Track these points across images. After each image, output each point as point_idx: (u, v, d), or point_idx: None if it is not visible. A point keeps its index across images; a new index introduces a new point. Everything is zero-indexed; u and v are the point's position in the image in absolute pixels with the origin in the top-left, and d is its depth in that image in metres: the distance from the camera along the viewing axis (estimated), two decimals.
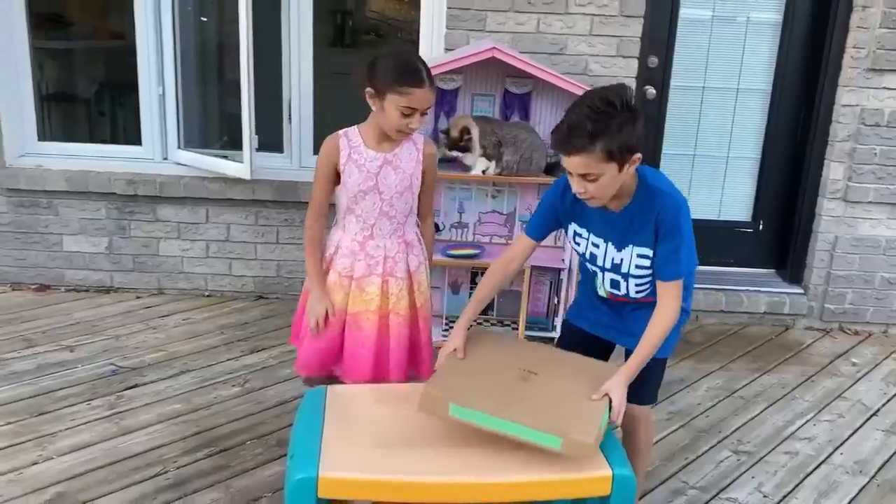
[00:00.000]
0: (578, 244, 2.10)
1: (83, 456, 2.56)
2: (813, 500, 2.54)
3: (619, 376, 1.89)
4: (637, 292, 2.09)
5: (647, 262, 1.99)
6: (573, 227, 2.09)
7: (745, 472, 2.69)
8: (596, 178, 1.82)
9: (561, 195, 2.05)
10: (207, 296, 3.96)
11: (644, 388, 2.07)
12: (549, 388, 1.84)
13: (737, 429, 2.97)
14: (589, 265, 2.14)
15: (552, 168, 3.40)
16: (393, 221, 2.22)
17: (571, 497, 1.75)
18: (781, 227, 4.08)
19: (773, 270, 4.19)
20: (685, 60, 3.86)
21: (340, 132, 2.19)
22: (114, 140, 4.24)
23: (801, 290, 4.01)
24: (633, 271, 2.02)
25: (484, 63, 3.27)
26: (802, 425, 3.03)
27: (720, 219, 4.13)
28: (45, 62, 4.47)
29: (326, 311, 2.18)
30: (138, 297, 3.91)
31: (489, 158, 3.24)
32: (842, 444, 2.90)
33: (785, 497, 2.56)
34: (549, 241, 3.53)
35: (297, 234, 3.87)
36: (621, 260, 2.01)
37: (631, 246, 1.98)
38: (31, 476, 2.44)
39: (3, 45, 3.70)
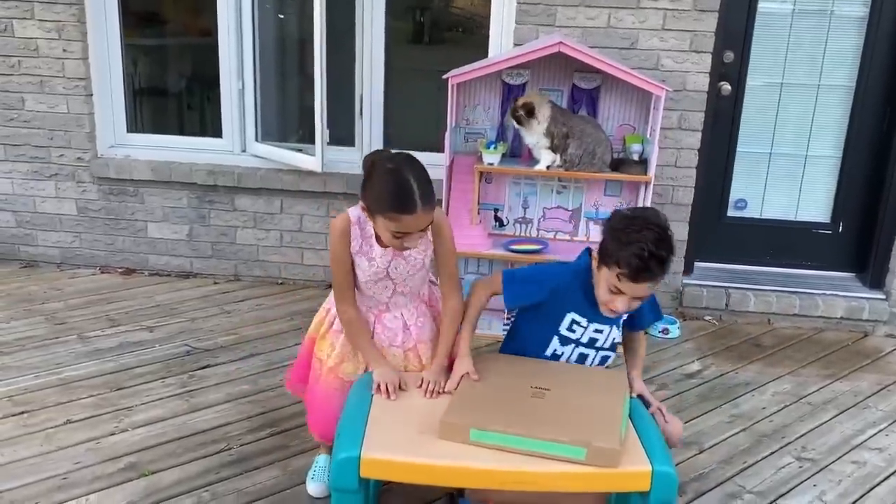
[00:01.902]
0: (574, 331, 2.10)
1: (155, 430, 2.71)
2: None
3: (641, 382, 1.98)
4: (599, 363, 2.18)
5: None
6: (571, 316, 2.07)
7: (806, 480, 2.61)
8: (644, 298, 1.96)
9: (556, 286, 2.05)
10: (280, 283, 4.11)
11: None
12: (563, 401, 1.86)
13: (802, 435, 2.89)
14: (582, 349, 2.14)
15: (618, 165, 3.37)
16: (408, 296, 2.15)
17: (609, 490, 1.75)
18: (862, 228, 3.92)
19: (852, 274, 4.03)
20: (763, 55, 3.76)
21: (352, 217, 2.02)
22: (202, 132, 4.43)
23: (883, 296, 3.84)
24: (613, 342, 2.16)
25: (552, 58, 3.28)
26: (873, 435, 2.91)
27: (797, 219, 4.00)
28: (138, 58, 4.71)
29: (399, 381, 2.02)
30: (216, 283, 4.09)
31: (555, 149, 3.24)
32: None
33: None
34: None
35: None
36: (614, 338, 2.15)
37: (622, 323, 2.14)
38: (107, 446, 2.61)
39: (98, 43, 3.93)
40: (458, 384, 1.98)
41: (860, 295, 3.87)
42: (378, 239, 2.04)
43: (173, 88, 5.41)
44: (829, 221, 3.99)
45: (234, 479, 2.46)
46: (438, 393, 2.01)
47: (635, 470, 1.70)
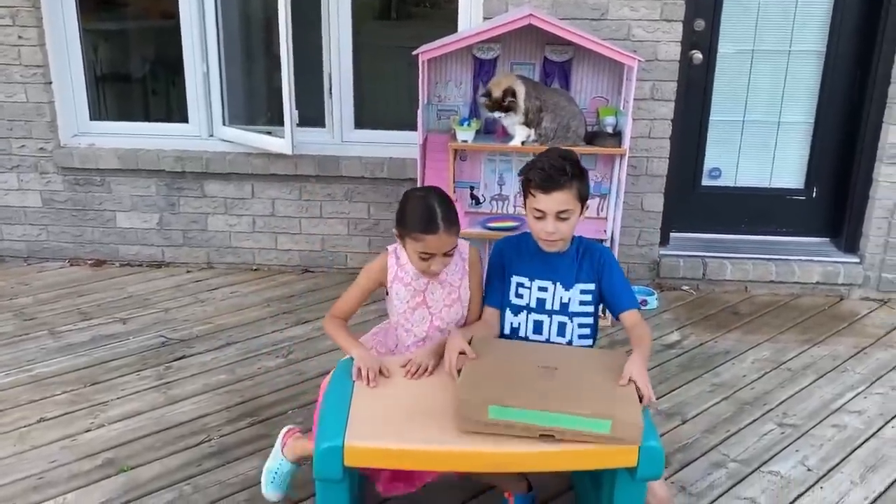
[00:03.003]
0: (521, 296, 2.15)
1: (132, 424, 2.66)
2: (860, 475, 2.47)
3: (638, 362, 1.88)
4: (580, 336, 2.16)
5: (588, 297, 2.14)
6: (515, 279, 2.16)
7: (789, 446, 2.63)
8: (568, 217, 2.02)
9: (500, 255, 2.18)
10: (255, 269, 4.05)
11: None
12: (575, 379, 1.83)
13: (783, 401, 2.91)
14: (534, 315, 2.15)
15: (592, 138, 3.34)
16: (444, 332, 2.14)
17: (598, 467, 1.74)
18: (836, 193, 3.94)
19: (826, 239, 4.05)
20: (733, 23, 3.74)
21: (391, 249, 2.13)
22: (168, 118, 4.33)
23: (857, 259, 3.87)
24: (578, 308, 2.14)
25: (523, 31, 3.23)
26: (852, 398, 2.94)
27: (771, 186, 4.01)
28: (98, 43, 4.58)
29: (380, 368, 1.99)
30: (188, 272, 4.01)
31: (530, 124, 3.19)
32: (893, 418, 2.81)
33: (830, 471, 2.49)
34: (591, 212, 3.51)
35: (340, 208, 3.91)
36: (569, 299, 2.12)
37: (576, 284, 2.12)
38: (83, 443, 2.55)
39: (55, 28, 3.80)
40: (454, 361, 1.92)
41: (835, 259, 3.89)
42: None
43: (136, 73, 5.28)
44: (802, 187, 4.00)
45: (216, 470, 2.42)
46: (421, 375, 1.97)
47: (622, 446, 1.68)
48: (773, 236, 4.05)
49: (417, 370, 1.98)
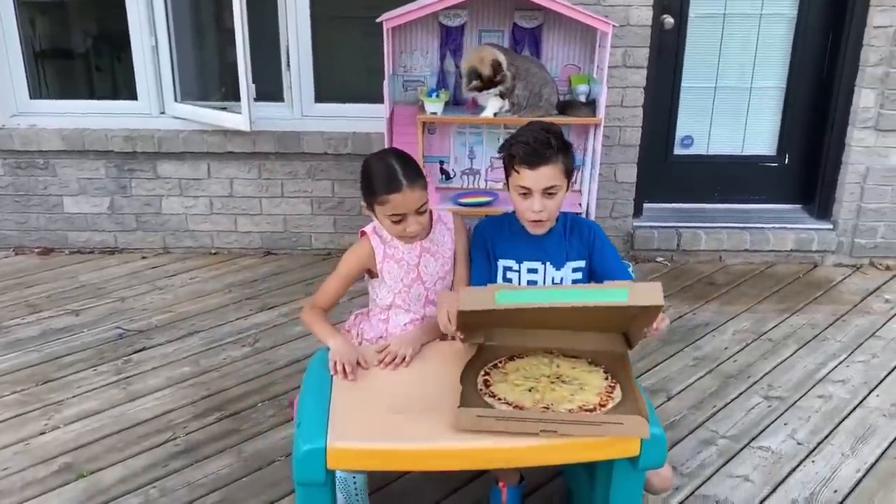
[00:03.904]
0: (510, 280, 2.05)
1: (90, 424, 2.48)
2: (850, 447, 2.43)
3: None
4: None
5: (580, 276, 2.04)
6: (502, 263, 2.04)
7: (777, 419, 2.57)
8: (554, 193, 1.91)
9: (482, 238, 2.06)
10: (214, 253, 3.86)
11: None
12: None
13: (767, 373, 2.85)
14: None
15: (565, 107, 3.22)
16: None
17: (600, 459, 1.64)
18: (808, 160, 3.89)
19: (799, 206, 4.01)
20: None
21: (369, 231, 2.03)
22: (115, 95, 4.09)
23: (830, 226, 3.84)
24: None
25: None
26: (835, 367, 2.90)
27: (743, 153, 3.95)
28: (35, 17, 4.30)
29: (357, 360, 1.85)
30: (144, 258, 3.81)
31: (503, 95, 3.05)
32: (877, 386, 2.77)
33: (820, 444, 2.44)
34: None
35: (302, 186, 3.74)
36: (561, 279, 2.03)
37: (567, 262, 2.02)
38: (37, 447, 2.37)
39: None
40: (454, 315, 1.77)
41: (808, 226, 3.86)
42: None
43: (79, 49, 4.98)
44: (774, 154, 3.95)
45: (184, 471, 2.27)
46: (397, 365, 1.84)
47: (628, 437, 1.58)
48: (746, 204, 4.00)
49: (389, 361, 1.85)
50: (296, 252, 3.84)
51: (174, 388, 2.69)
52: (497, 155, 3.41)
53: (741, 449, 2.42)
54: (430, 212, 2.05)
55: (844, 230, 3.80)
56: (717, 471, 2.31)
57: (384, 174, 1.88)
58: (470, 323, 1.81)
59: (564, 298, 1.62)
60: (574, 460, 1.63)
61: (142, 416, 2.53)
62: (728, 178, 3.96)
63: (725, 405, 2.65)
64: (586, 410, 1.61)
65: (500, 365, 1.79)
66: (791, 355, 2.98)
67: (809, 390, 2.75)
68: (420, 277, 2.03)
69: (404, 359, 1.85)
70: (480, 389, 1.68)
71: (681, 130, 3.90)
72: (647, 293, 1.61)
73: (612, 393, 1.69)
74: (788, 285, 3.61)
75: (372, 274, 2.05)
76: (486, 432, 1.55)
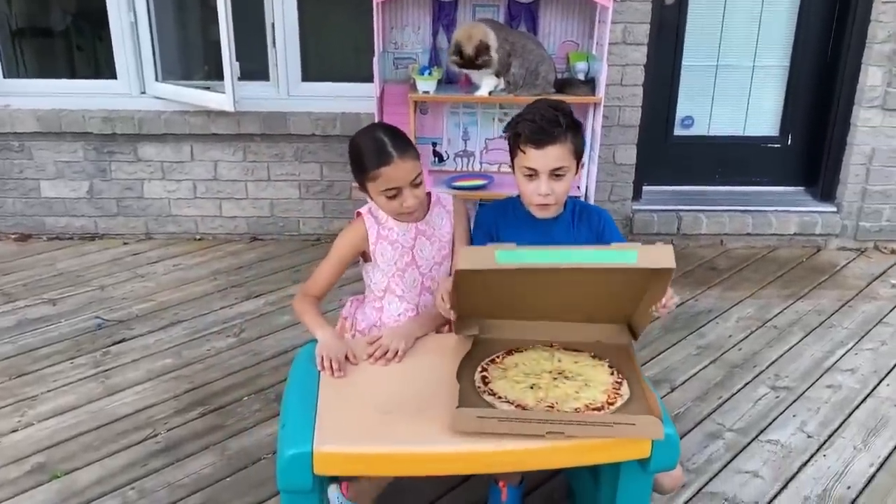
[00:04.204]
0: None
1: (66, 420, 2.35)
2: (862, 439, 2.33)
3: None
4: None
5: None
6: None
7: (785, 411, 2.47)
8: (563, 175, 1.80)
9: (486, 225, 1.95)
10: (198, 239, 3.72)
11: None
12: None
13: (773, 362, 2.75)
14: None
15: (563, 85, 3.09)
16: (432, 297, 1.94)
17: (608, 461, 1.52)
18: (812, 140, 3.78)
19: (802, 188, 3.90)
20: None
21: (364, 211, 1.92)
22: (95, 75, 3.92)
23: (834, 208, 3.73)
24: None
25: None
26: (843, 355, 2.80)
27: (745, 134, 3.83)
28: None
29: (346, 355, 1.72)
30: (125, 244, 3.67)
31: (498, 74, 2.92)
32: (887, 375, 2.67)
33: (831, 437, 2.34)
34: None
35: (289, 169, 3.60)
36: None
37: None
38: (9, 445, 2.24)
39: None
40: (448, 296, 1.67)
41: (812, 209, 3.75)
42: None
43: (57, 27, 4.80)
44: (777, 135, 3.83)
45: (164, 470, 2.15)
46: (389, 360, 1.72)
47: (639, 438, 1.47)
48: (748, 186, 3.89)
49: (380, 355, 1.73)
50: (283, 238, 3.71)
51: (155, 381, 2.57)
52: (492, 136, 3.29)
53: (749, 442, 2.31)
54: (429, 193, 1.94)
55: (849, 213, 3.69)
56: (724, 466, 2.21)
57: (373, 148, 1.78)
58: (465, 304, 1.69)
59: (569, 259, 1.50)
60: (581, 463, 1.53)
61: (120, 412, 2.40)
62: (729, 160, 3.85)
63: (731, 396, 2.54)
64: (593, 409, 1.50)
65: (497, 360, 1.67)
66: (797, 343, 2.88)
67: (818, 380, 2.64)
68: (415, 261, 1.91)
69: (396, 353, 1.73)
70: (479, 387, 1.57)
71: (681, 111, 3.77)
72: (658, 255, 1.49)
73: (619, 389, 1.58)
74: (792, 270, 3.50)
75: (366, 257, 1.94)
76: (486, 435, 1.43)
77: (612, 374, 1.64)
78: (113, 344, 2.79)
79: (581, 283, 1.61)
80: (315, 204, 3.66)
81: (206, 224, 3.71)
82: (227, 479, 2.11)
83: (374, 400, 1.56)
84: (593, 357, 1.70)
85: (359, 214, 1.92)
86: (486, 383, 1.58)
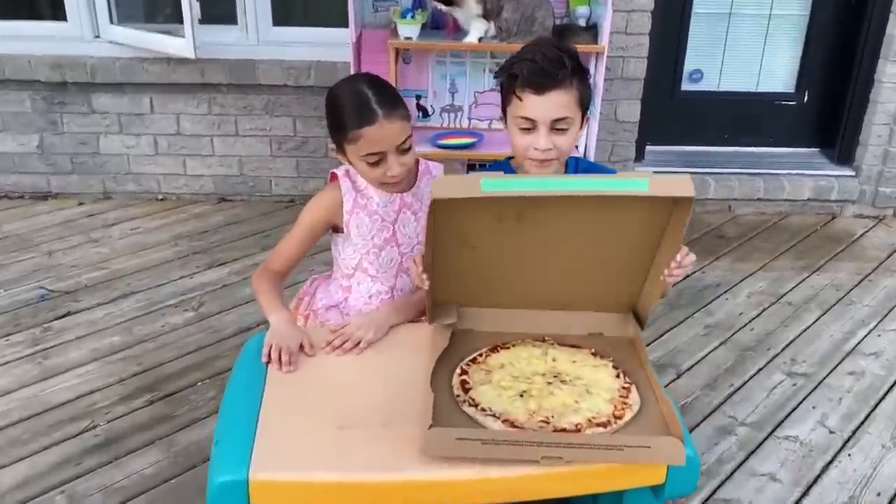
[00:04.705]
0: None
1: None
2: (890, 436, 2.08)
3: None
4: None
5: None
6: None
7: (803, 401, 2.21)
8: (566, 128, 1.52)
9: None
10: (161, 200, 3.41)
11: None
12: None
13: (788, 344, 2.49)
14: None
15: (562, 32, 2.76)
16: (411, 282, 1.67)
17: (614, 489, 1.26)
18: (830, 98, 3.47)
19: (817, 150, 3.61)
20: None
21: (340, 174, 1.62)
22: (41, 16, 3.55)
23: (852, 172, 3.44)
24: None
25: None
26: (865, 337, 2.54)
27: (758, 90, 3.52)
28: None
29: (301, 345, 1.44)
30: (81, 204, 3.35)
31: (488, 16, 2.59)
32: None
33: (855, 432, 2.09)
34: None
35: (259, 123, 3.27)
36: None
37: None
38: None
39: None
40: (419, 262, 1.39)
41: (828, 173, 3.46)
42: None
43: None
44: (793, 91, 3.52)
45: (100, 470, 1.88)
46: (350, 349, 1.44)
47: (652, 463, 1.20)
48: (759, 147, 3.59)
49: (340, 344, 1.45)
50: (253, 199, 3.40)
51: (100, 363, 2.29)
52: (482, 89, 2.97)
53: (765, 439, 2.06)
54: (418, 160, 1.64)
55: (868, 177, 3.40)
56: (738, 467, 1.96)
57: (354, 104, 1.49)
58: (442, 287, 1.41)
59: (567, 187, 1.22)
60: (582, 492, 1.26)
61: (57, 399, 2.12)
62: (740, 118, 3.54)
63: (744, 384, 2.29)
64: (598, 424, 1.23)
65: (480, 359, 1.39)
66: (814, 322, 2.62)
67: (838, 365, 2.39)
68: (395, 238, 1.63)
69: (358, 343, 1.45)
70: (458, 396, 1.29)
71: (689, 63, 3.45)
72: (674, 183, 1.21)
73: (627, 397, 1.31)
74: (806, 239, 3.23)
75: (337, 229, 1.64)
76: (466, 460, 1.16)
77: (618, 376, 1.37)
78: (56, 318, 2.50)
79: (579, 250, 1.35)
80: (288, 162, 3.35)
81: (169, 183, 3.39)
82: (172, 482, 1.84)
83: (329, 409, 1.28)
84: (594, 355, 1.43)
85: (333, 177, 1.62)
86: (466, 390, 1.30)
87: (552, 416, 1.24)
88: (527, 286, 1.45)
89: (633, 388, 1.33)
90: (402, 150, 1.51)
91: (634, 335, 1.49)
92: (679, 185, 1.21)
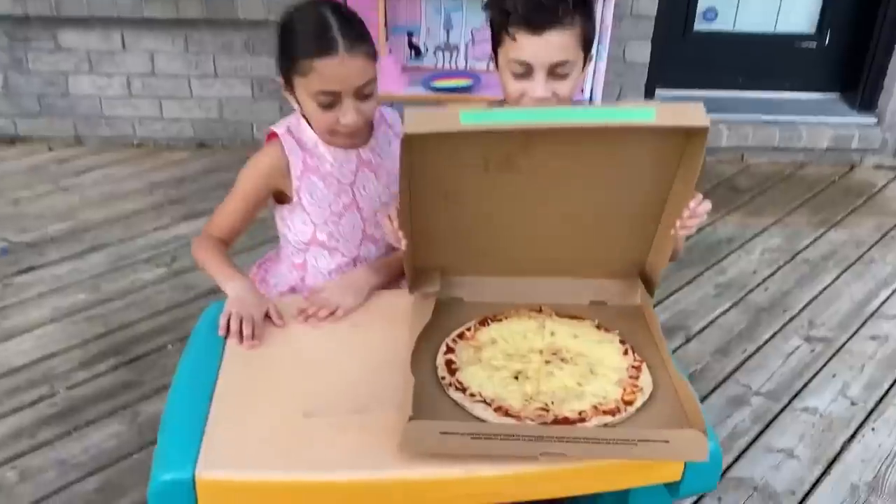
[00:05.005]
0: None
1: None
2: None
3: None
4: None
5: None
6: None
7: (822, 368, 2.05)
8: (567, 73, 1.30)
9: None
10: (137, 145, 3.20)
11: None
12: None
13: (806, 305, 2.32)
14: None
15: None
16: (380, 242, 1.46)
17: (624, 487, 1.09)
18: (854, 39, 3.23)
19: (837, 95, 3.38)
20: None
21: (280, 132, 1.37)
22: None
23: (874, 119, 3.23)
24: None
25: None
26: (889, 298, 2.37)
27: (776, 31, 3.28)
28: None
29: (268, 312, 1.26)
30: (51, 149, 3.15)
31: None
32: None
33: (879, 403, 1.93)
34: None
35: (240, 63, 3.05)
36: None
37: None
38: None
39: None
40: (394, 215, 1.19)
41: (848, 120, 3.24)
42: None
43: None
44: (813, 32, 3.28)
45: (57, 443, 1.73)
46: (324, 319, 1.26)
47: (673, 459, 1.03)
48: (775, 92, 3.36)
49: (314, 312, 1.26)
50: (235, 144, 3.19)
51: (62, 323, 2.12)
52: (479, 27, 2.74)
53: (781, 410, 1.90)
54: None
55: (891, 125, 3.19)
56: (752, 442, 1.80)
57: (311, 28, 1.27)
58: (422, 250, 1.23)
59: (560, 119, 1.03)
60: (585, 492, 1.09)
61: (13, 363, 1.96)
62: (756, 61, 3.31)
63: (758, 349, 2.12)
64: (604, 412, 1.06)
65: (468, 334, 1.21)
66: (833, 282, 2.44)
67: (859, 329, 2.22)
68: (356, 202, 1.42)
69: (334, 311, 1.27)
70: (443, 378, 1.11)
71: (703, 1, 3.20)
72: (684, 112, 1.02)
73: (637, 378, 1.13)
74: (823, 191, 3.04)
75: (281, 198, 1.42)
76: (453, 456, 0.99)
77: (626, 353, 1.19)
78: (17, 273, 2.33)
79: (578, 201, 1.17)
80: (271, 105, 3.13)
81: (145, 127, 3.18)
82: (135, 456, 1.69)
83: (295, 392, 1.10)
84: (598, 328, 1.25)
85: (272, 136, 1.38)
86: (452, 371, 1.12)
87: (552, 403, 1.07)
88: (519, 247, 1.26)
89: (644, 368, 1.16)
90: (363, 95, 1.29)
91: (643, 302, 1.31)
92: (690, 112, 1.02)
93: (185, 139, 3.19)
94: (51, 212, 2.68)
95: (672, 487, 1.08)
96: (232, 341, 1.20)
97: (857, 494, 1.66)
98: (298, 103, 1.33)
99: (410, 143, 1.02)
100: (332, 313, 1.27)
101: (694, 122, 1.02)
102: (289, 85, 1.31)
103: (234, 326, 1.21)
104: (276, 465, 0.99)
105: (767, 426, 1.85)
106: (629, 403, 1.08)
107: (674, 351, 2.07)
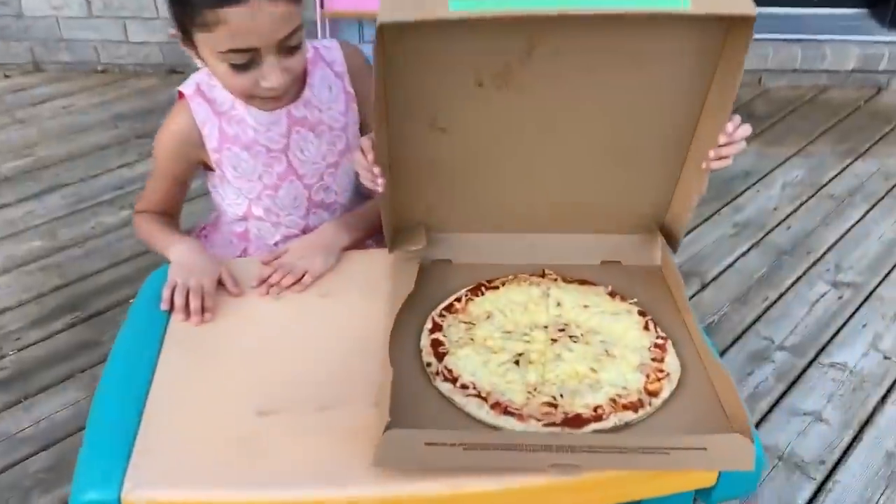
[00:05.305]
0: None
1: None
2: None
3: None
4: None
5: None
6: None
7: (851, 318, 1.87)
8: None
9: None
10: (101, 71, 2.94)
11: None
12: None
13: (831, 246, 2.12)
14: None
15: None
16: (334, 206, 1.25)
17: (645, 498, 0.91)
18: None
19: (865, 10, 3.10)
20: None
21: (189, 91, 1.12)
22: None
23: None
24: None
25: None
26: None
27: None
28: None
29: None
30: (6, 76, 2.89)
31: None
32: None
33: None
34: None
35: None
36: None
37: None
38: None
39: None
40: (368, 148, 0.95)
41: (876, 38, 2.97)
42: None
43: None
44: None
45: (4, 413, 1.55)
46: (289, 286, 1.06)
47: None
48: (797, 7, 3.08)
49: (277, 281, 1.06)
50: None
51: (14, 274, 1.92)
52: None
53: (807, 366, 1.72)
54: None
55: None
56: (775, 404, 1.63)
57: None
58: (404, 200, 1.03)
59: (578, 4, 0.80)
60: (615, 500, 0.90)
61: None
62: None
63: (780, 296, 1.93)
64: (625, 406, 0.87)
65: (458, 306, 1.01)
66: (861, 219, 2.24)
67: (891, 272, 2.03)
68: (293, 170, 1.18)
69: (300, 277, 1.07)
70: (428, 365, 0.92)
71: None
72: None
73: (662, 361, 0.94)
74: (848, 117, 2.79)
75: (206, 165, 1.20)
76: (439, 471, 0.80)
77: (647, 327, 1.00)
78: None
79: (590, 130, 0.97)
80: None
81: (108, 52, 2.91)
82: None
83: (247, 383, 0.91)
84: (612, 296, 1.05)
85: (181, 96, 1.15)
86: (439, 355, 0.93)
87: (560, 396, 0.88)
88: (518, 191, 1.05)
89: (670, 346, 0.97)
90: (288, 48, 1.02)
91: (665, 262, 1.11)
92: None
93: (153, 65, 2.92)
94: (5, 147, 2.45)
95: (703, 493, 0.90)
96: (177, 317, 1.01)
97: (892, 463, 1.50)
98: (202, 61, 1.05)
99: (385, 43, 0.80)
100: (299, 280, 1.07)
101: (738, 8, 0.80)
102: (188, 40, 1.03)
103: (178, 300, 1.01)
104: (221, 481, 0.80)
105: (792, 385, 1.67)
106: (654, 394, 0.89)
107: (690, 298, 1.89)
